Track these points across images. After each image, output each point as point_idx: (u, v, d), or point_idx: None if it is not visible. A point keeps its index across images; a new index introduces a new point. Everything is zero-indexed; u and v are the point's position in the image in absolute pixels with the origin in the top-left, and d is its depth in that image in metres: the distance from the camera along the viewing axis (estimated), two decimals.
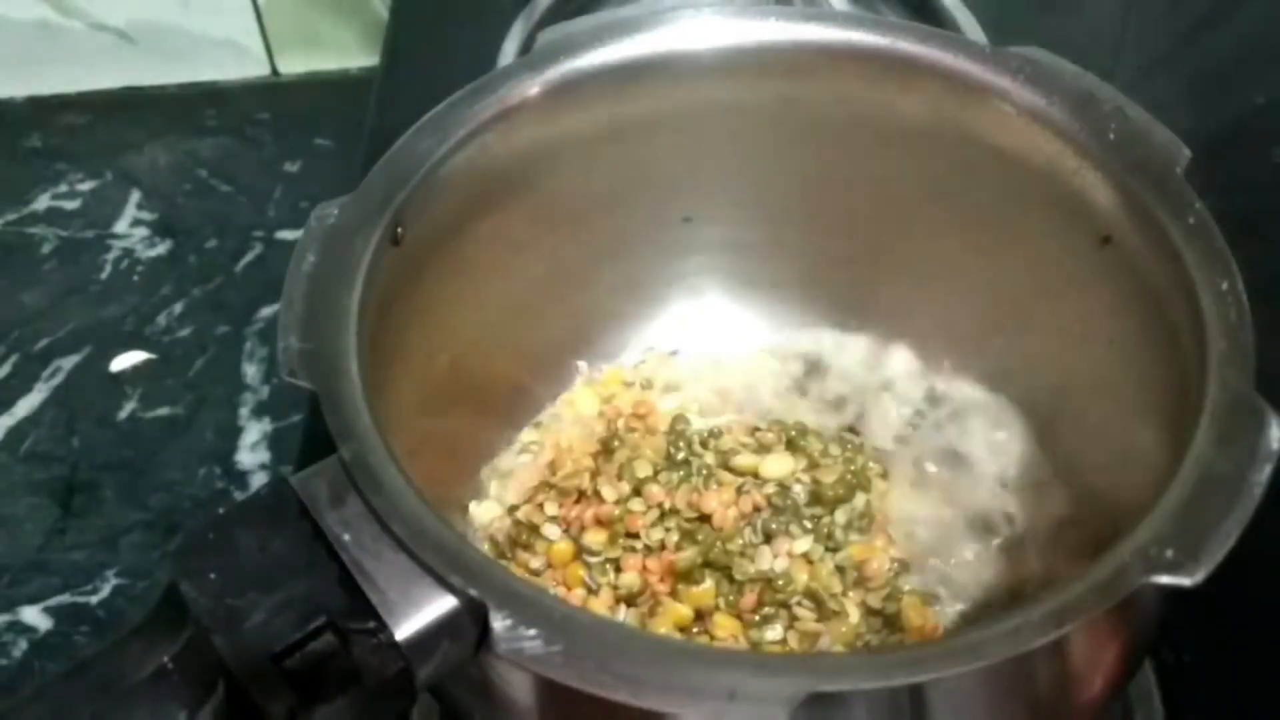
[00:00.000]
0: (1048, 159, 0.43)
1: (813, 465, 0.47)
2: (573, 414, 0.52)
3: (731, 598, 0.44)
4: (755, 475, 0.47)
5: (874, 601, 0.44)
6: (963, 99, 0.44)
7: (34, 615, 0.60)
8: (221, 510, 0.34)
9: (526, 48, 0.56)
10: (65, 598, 0.61)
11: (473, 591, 0.31)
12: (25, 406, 0.69)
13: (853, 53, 0.45)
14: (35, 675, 0.58)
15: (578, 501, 0.47)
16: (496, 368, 0.50)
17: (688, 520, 0.45)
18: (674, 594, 0.44)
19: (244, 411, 0.68)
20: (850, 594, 0.44)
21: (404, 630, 0.31)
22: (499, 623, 0.31)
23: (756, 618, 0.44)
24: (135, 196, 0.79)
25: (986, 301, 0.49)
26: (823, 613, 0.43)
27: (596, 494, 0.46)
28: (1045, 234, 0.45)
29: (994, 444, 0.50)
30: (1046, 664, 0.34)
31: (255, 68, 0.87)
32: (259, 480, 0.65)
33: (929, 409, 0.51)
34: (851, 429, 0.51)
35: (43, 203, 0.79)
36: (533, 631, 0.30)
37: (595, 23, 0.46)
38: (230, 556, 0.32)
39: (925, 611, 0.44)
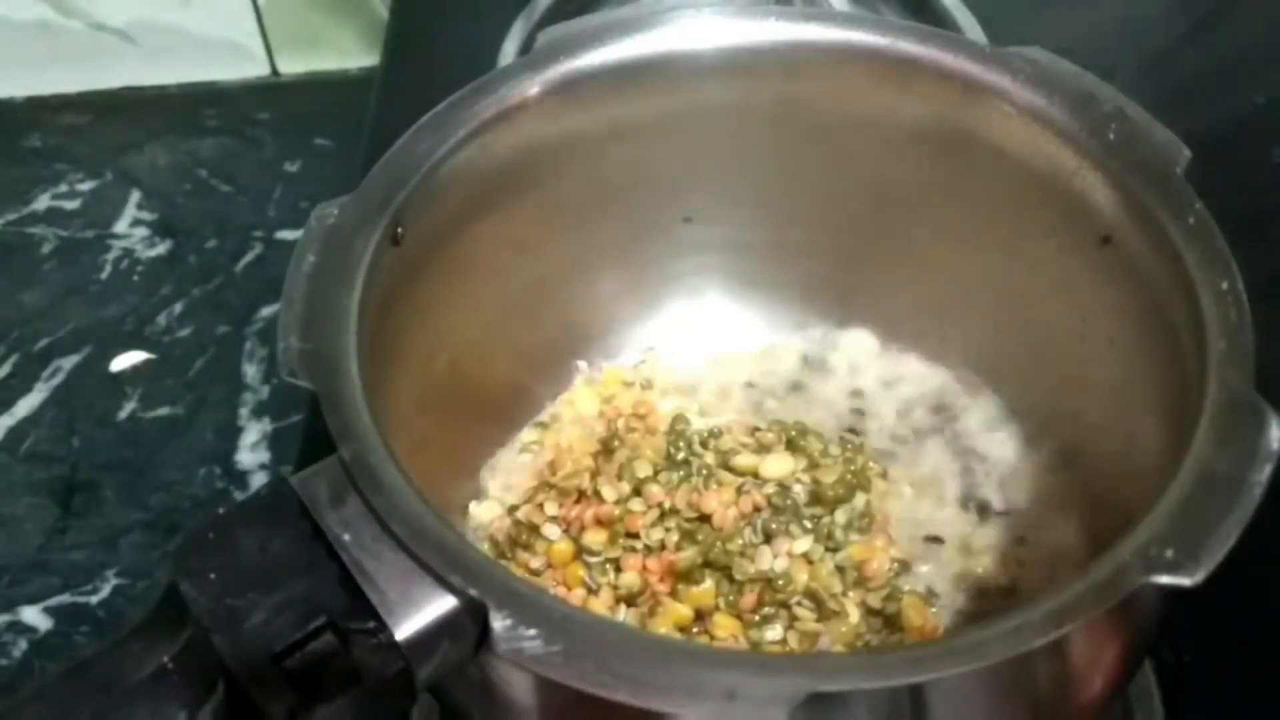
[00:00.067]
0: (1048, 159, 0.43)
1: (813, 465, 0.47)
2: (573, 414, 0.52)
3: (731, 598, 0.44)
4: (755, 475, 0.47)
5: (874, 601, 0.44)
6: (963, 99, 0.44)
7: (34, 615, 0.60)
8: (221, 510, 0.34)
9: (526, 48, 0.56)
10: (65, 598, 0.61)
11: (473, 591, 0.31)
12: (25, 406, 0.69)
13: (853, 53, 0.45)
14: (35, 675, 0.58)
15: (578, 501, 0.47)
16: (496, 368, 0.50)
17: (688, 520, 0.45)
18: (674, 594, 0.44)
19: (244, 411, 0.68)
20: (850, 594, 0.44)
21: (404, 630, 0.31)
22: (499, 623, 0.31)
23: (756, 618, 0.44)
24: (135, 196, 0.79)
25: (986, 301, 0.49)
26: (823, 613, 0.43)
27: (596, 494, 0.46)
28: (1045, 234, 0.45)
29: (994, 443, 0.50)
30: (1046, 664, 0.34)
31: (255, 68, 0.87)
32: (259, 480, 0.65)
33: (929, 409, 0.51)
34: (851, 429, 0.51)
35: (43, 203, 0.79)
36: (533, 631, 0.30)
37: (595, 23, 0.46)
38: (230, 556, 0.32)
39: (925, 611, 0.44)
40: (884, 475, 0.49)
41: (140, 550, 0.62)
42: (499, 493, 0.49)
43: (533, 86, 0.44)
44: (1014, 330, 0.49)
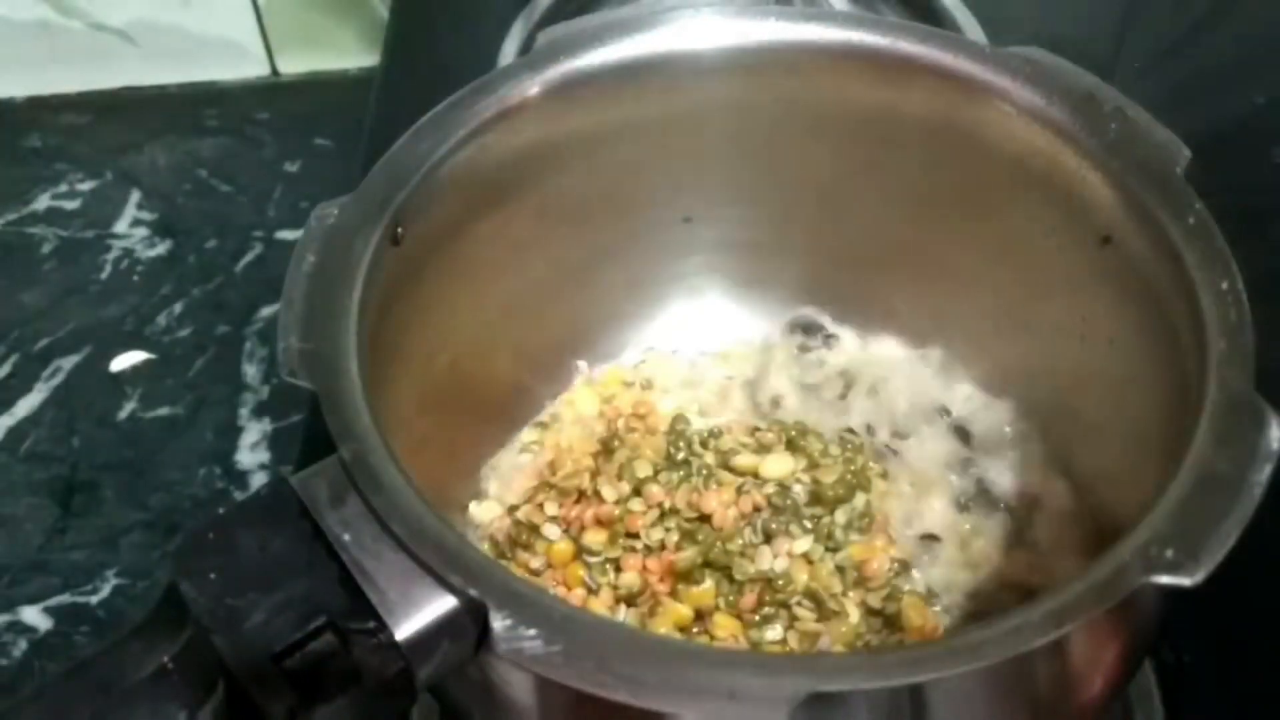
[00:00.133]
0: (1048, 159, 0.43)
1: (813, 465, 0.47)
2: (573, 414, 0.52)
3: (731, 598, 0.44)
4: (755, 475, 0.47)
5: (874, 601, 0.44)
6: (963, 99, 0.44)
7: (34, 615, 0.60)
8: (221, 510, 0.34)
9: (526, 48, 0.56)
10: (65, 598, 0.61)
11: (473, 591, 0.31)
12: (25, 406, 0.69)
13: (853, 53, 0.45)
14: (35, 675, 0.58)
15: (578, 501, 0.47)
16: (496, 368, 0.50)
17: (688, 520, 0.45)
18: (674, 594, 0.44)
19: (244, 411, 0.68)
20: (850, 594, 0.44)
21: (404, 630, 0.31)
22: (499, 623, 0.31)
23: (756, 618, 0.44)
24: (135, 196, 0.79)
25: (986, 301, 0.49)
26: (823, 613, 0.43)
27: (596, 494, 0.46)
28: (1045, 234, 0.45)
29: (993, 443, 0.50)
30: (1046, 664, 0.34)
31: (255, 68, 0.87)
32: (259, 480, 0.65)
33: (928, 408, 0.51)
34: (851, 429, 0.51)
35: (43, 203, 0.79)
36: (533, 631, 0.30)
37: (595, 23, 0.46)
38: (230, 556, 0.32)
39: (925, 611, 0.44)
40: (884, 475, 0.49)
41: (140, 550, 0.62)
42: (499, 493, 0.49)
43: (533, 86, 0.44)
44: (1014, 330, 0.49)
